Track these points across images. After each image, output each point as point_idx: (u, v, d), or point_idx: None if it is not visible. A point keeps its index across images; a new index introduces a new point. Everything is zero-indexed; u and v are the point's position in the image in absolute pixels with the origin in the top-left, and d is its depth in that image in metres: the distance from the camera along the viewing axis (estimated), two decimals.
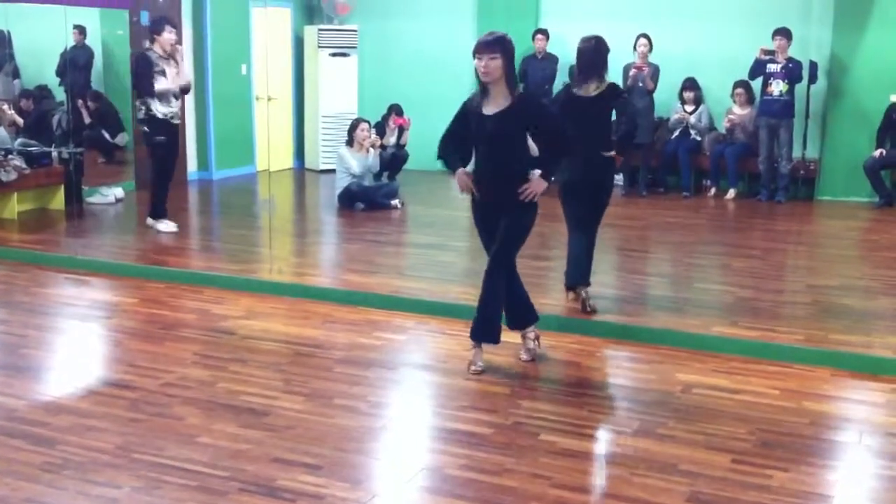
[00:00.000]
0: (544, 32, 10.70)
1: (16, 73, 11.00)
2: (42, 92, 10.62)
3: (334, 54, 11.77)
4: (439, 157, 4.89)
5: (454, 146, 4.83)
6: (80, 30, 10.05)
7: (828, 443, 4.06)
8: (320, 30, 11.77)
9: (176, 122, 8.10)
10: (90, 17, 10.22)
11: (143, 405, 4.33)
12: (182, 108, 8.54)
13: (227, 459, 3.75)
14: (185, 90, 8.22)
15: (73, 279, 6.72)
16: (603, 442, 4.00)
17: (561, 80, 10.46)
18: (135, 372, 4.78)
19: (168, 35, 7.92)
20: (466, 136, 4.78)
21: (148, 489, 3.51)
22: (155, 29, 8.06)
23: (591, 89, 5.63)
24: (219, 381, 4.65)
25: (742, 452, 3.87)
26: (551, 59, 10.65)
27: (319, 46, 11.74)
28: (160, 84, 7.86)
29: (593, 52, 5.63)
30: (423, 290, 6.26)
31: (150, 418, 4.18)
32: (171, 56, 7.95)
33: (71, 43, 10.10)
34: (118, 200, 9.64)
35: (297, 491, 3.50)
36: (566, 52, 10.44)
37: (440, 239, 8.14)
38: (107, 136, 10.64)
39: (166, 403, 4.37)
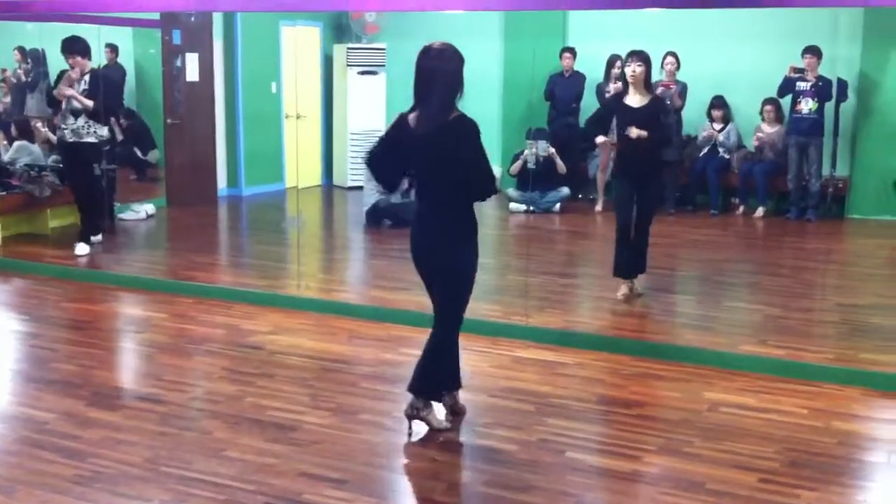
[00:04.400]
0: (571, 50, 10.71)
1: (50, 91, 11.19)
2: None
3: (363, 72, 11.85)
4: None
5: None
6: (113, 48, 10.19)
7: (857, 463, 4.02)
8: (349, 48, 11.86)
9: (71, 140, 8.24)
10: (123, 36, 10.36)
11: (172, 419, 4.37)
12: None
13: (254, 473, 3.78)
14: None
15: (104, 294, 6.80)
16: (629, 460, 3.99)
17: (589, 97, 10.47)
18: (164, 386, 4.83)
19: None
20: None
21: (176, 502, 3.55)
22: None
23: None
24: (246, 395, 4.69)
25: (769, 472, 3.84)
26: (578, 77, 10.66)
27: (348, 65, 11.82)
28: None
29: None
30: None
31: (179, 432, 4.22)
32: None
33: (104, 61, 10.25)
34: (149, 216, 9.76)
35: None
36: (593, 69, 10.47)
37: None
38: (139, 153, 10.77)
39: (194, 417, 4.42)
